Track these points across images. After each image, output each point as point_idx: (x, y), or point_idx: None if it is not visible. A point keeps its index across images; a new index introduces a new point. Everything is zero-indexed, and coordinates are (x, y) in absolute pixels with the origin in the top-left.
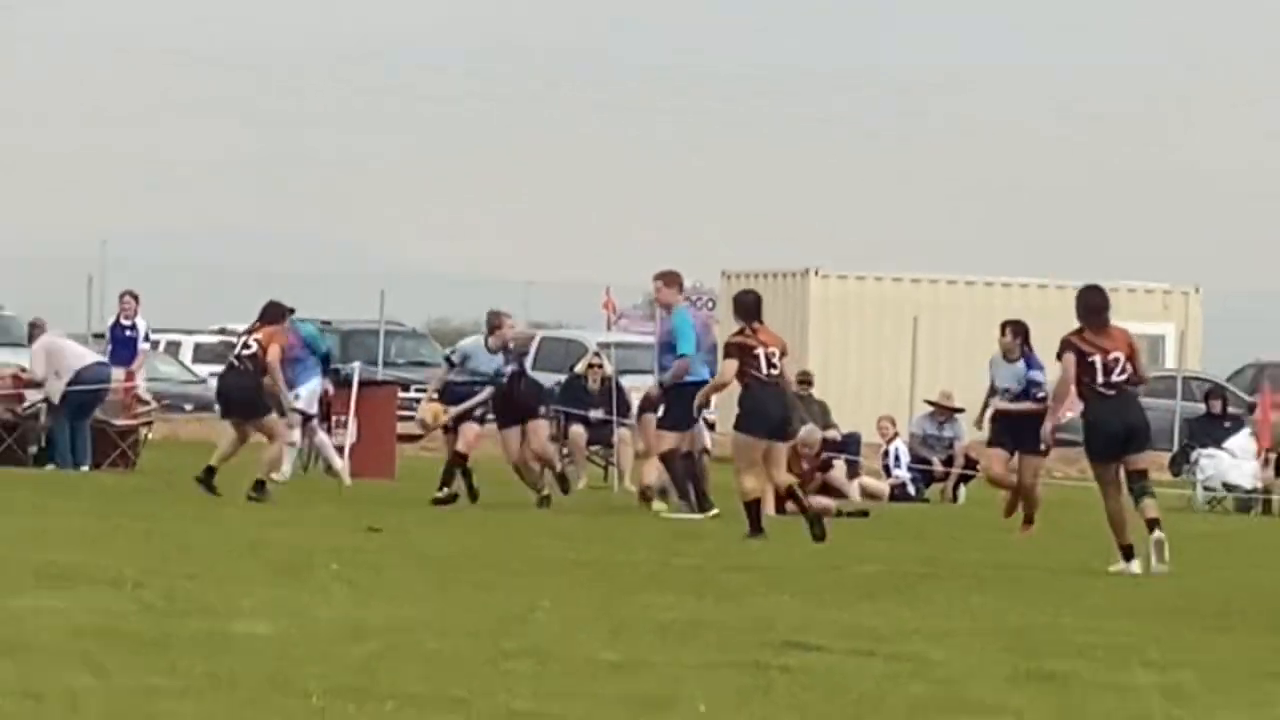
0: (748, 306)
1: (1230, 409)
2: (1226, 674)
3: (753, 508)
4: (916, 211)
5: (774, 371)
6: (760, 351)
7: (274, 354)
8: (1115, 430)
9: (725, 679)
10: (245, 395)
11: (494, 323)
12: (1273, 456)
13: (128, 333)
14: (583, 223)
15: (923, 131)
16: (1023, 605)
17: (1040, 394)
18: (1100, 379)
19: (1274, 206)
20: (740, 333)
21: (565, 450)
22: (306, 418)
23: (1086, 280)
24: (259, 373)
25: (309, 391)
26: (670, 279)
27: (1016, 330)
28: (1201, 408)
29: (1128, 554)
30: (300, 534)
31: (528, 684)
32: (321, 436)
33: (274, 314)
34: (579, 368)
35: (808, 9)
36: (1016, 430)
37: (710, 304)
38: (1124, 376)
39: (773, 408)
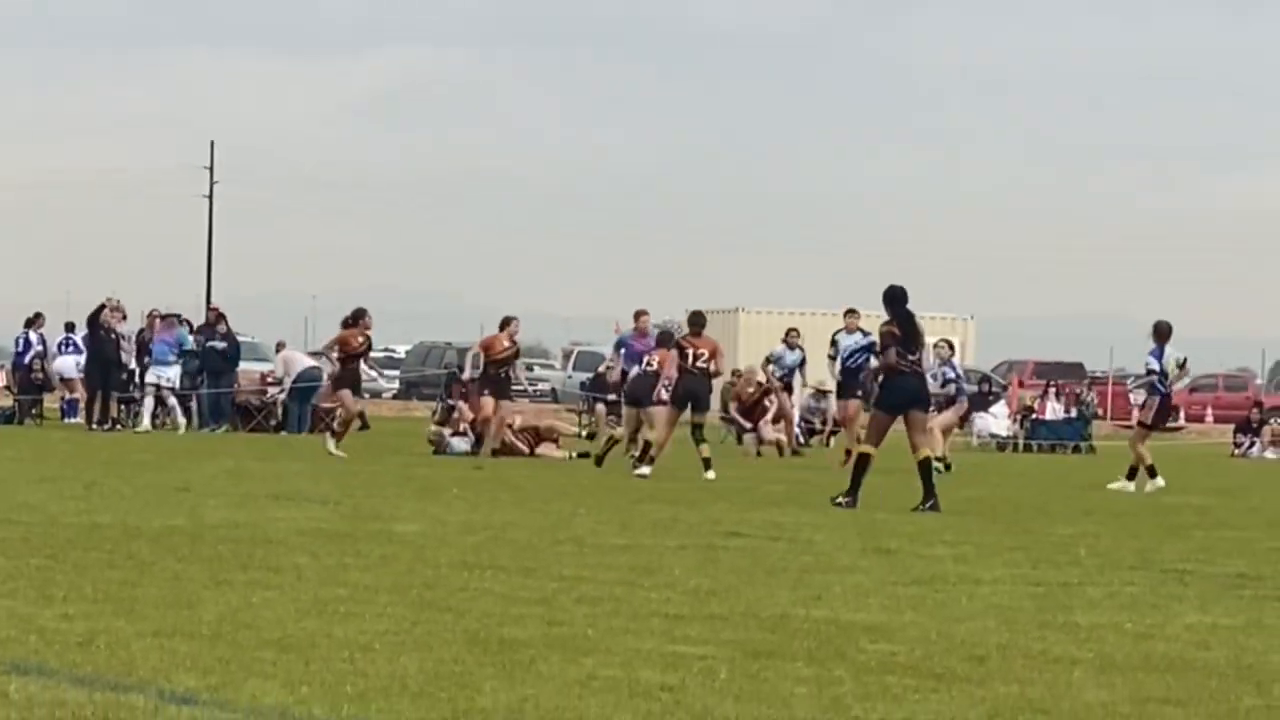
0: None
1: (993, 389)
2: (992, 548)
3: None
4: (804, 269)
5: (650, 368)
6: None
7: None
8: (689, 393)
9: (691, 555)
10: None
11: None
12: (1018, 417)
13: None
14: (602, 278)
15: (820, 225)
16: (868, 508)
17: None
18: (690, 364)
19: (1024, 264)
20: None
21: (592, 420)
22: (165, 388)
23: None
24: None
25: (175, 373)
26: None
27: (854, 313)
28: (976, 388)
29: (707, 465)
30: (434, 472)
31: (571, 559)
32: (173, 401)
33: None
34: (600, 369)
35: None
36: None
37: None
38: (705, 365)
39: (636, 388)
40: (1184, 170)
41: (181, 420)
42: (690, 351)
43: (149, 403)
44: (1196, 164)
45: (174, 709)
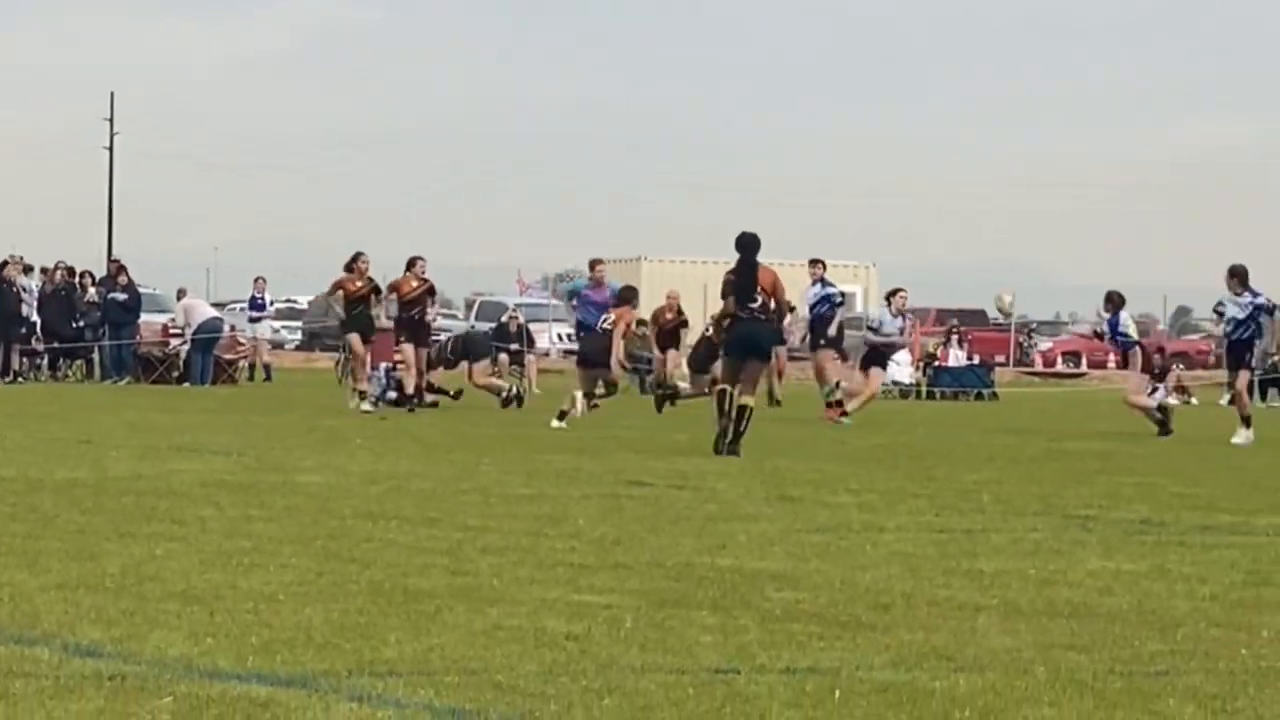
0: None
1: None
2: (895, 495)
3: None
4: (704, 217)
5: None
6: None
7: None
8: (587, 353)
9: (595, 504)
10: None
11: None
12: (921, 364)
13: (259, 300)
14: (502, 228)
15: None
16: (772, 455)
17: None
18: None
19: (921, 215)
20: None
21: (495, 369)
22: None
23: (811, 256)
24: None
25: None
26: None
27: (818, 263)
28: None
29: (561, 416)
30: (338, 422)
31: (476, 509)
32: None
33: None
34: (504, 319)
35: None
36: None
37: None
38: (608, 324)
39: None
40: (1087, 119)
41: None
42: None
43: None
44: (1101, 113)
45: (79, 661)
